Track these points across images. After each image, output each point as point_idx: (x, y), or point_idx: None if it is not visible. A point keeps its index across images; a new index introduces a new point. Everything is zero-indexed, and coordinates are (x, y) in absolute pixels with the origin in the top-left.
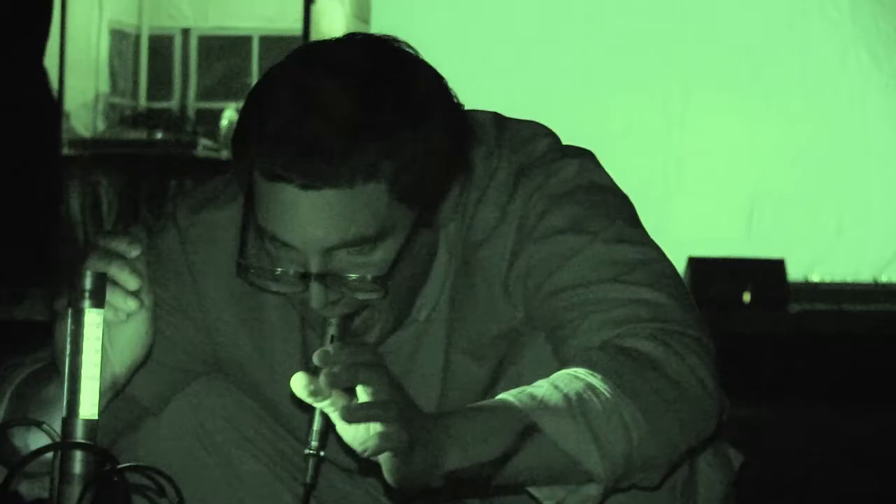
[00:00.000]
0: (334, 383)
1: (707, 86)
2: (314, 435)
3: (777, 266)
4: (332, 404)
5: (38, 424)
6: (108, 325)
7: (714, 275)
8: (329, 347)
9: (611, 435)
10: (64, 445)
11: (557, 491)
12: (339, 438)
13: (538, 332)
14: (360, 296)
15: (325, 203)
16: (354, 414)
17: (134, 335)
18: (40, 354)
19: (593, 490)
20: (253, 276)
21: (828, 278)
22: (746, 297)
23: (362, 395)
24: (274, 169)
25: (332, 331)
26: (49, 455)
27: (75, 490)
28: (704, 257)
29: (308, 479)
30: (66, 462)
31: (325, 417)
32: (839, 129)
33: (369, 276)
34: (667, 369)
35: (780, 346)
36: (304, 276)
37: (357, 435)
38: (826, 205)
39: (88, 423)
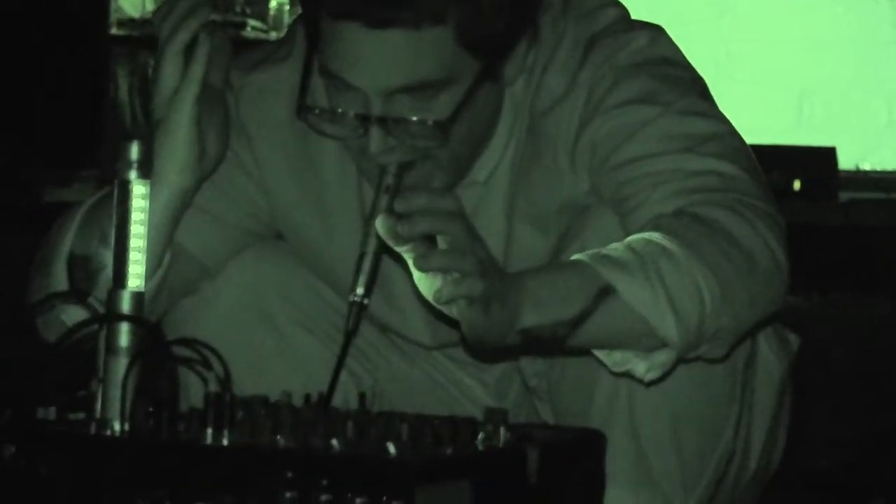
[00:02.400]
0: (412, 231)
1: None
2: (360, 282)
3: (828, 154)
4: (412, 250)
5: (84, 298)
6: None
7: (764, 163)
8: (410, 195)
9: (686, 300)
10: (109, 317)
11: (626, 357)
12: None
13: (602, 204)
14: (421, 142)
15: (390, 44)
16: (429, 262)
17: (182, 125)
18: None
19: (664, 357)
20: (313, 118)
21: (879, 167)
22: (797, 185)
23: (441, 243)
24: (341, 7)
25: (388, 180)
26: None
27: (122, 363)
28: (755, 145)
29: (349, 327)
30: (111, 335)
31: (373, 265)
32: (892, 16)
33: (430, 122)
34: (740, 238)
35: (830, 235)
36: (365, 119)
37: (433, 285)
38: (878, 93)
39: (135, 294)
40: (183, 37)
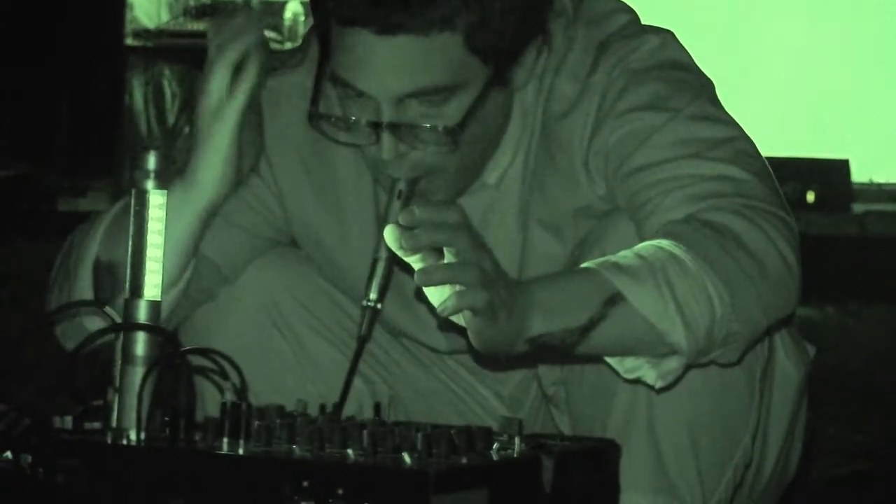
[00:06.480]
0: (417, 244)
1: None
2: (373, 287)
3: (842, 166)
4: (422, 260)
5: (101, 307)
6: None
7: (778, 174)
8: (415, 207)
9: (695, 307)
10: (126, 327)
11: (637, 363)
12: (422, 316)
13: (622, 212)
14: (431, 148)
15: (399, 50)
16: (432, 276)
17: (226, 138)
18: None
19: (674, 363)
20: (325, 126)
21: (893, 179)
22: (811, 197)
23: (447, 255)
24: (350, 14)
25: (400, 186)
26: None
27: (138, 372)
28: (769, 157)
29: (362, 332)
30: (128, 344)
31: (386, 271)
32: None
33: (441, 127)
34: (750, 244)
35: (844, 247)
36: (376, 126)
37: (440, 296)
38: (891, 106)
39: (152, 304)
40: (235, 53)
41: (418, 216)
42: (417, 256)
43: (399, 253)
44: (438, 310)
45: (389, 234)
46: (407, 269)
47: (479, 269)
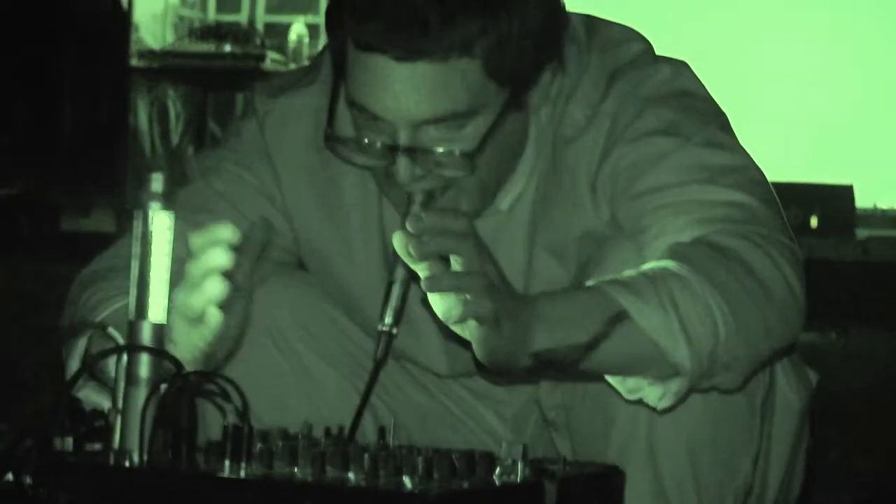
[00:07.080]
0: (424, 250)
1: (777, 10)
2: (389, 311)
3: (845, 192)
4: (428, 269)
5: (103, 328)
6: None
7: (782, 200)
8: (422, 214)
9: (699, 327)
10: (130, 348)
11: (640, 384)
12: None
13: (622, 235)
14: (448, 172)
15: (417, 76)
16: (439, 283)
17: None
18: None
19: (676, 385)
20: (340, 148)
21: None
22: (814, 222)
23: (454, 264)
24: (368, 39)
25: (415, 207)
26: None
27: (141, 394)
28: (772, 182)
29: (378, 356)
30: (132, 365)
31: (402, 295)
32: None
33: (457, 151)
34: (757, 269)
35: (847, 272)
36: (392, 149)
37: (446, 305)
38: (895, 132)
39: (156, 326)
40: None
41: (425, 223)
42: (424, 264)
43: (406, 260)
44: (443, 317)
45: (397, 242)
46: (412, 288)
47: (486, 277)
